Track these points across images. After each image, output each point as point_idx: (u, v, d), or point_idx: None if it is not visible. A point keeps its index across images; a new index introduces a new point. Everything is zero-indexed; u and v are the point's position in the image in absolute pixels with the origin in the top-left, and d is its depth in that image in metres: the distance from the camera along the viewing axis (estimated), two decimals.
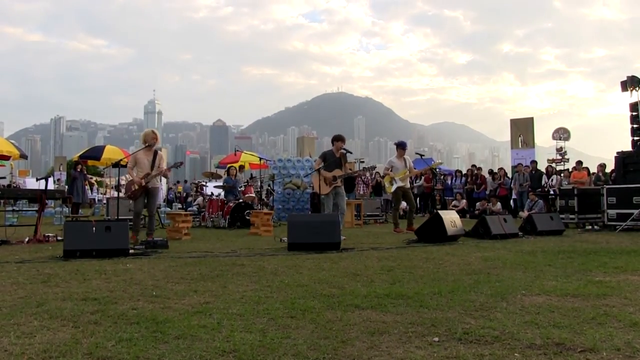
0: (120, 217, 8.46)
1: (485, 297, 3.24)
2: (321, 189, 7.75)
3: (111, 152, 14.76)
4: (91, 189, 19.79)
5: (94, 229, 5.48)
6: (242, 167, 12.56)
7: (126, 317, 2.73)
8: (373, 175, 16.19)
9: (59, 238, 7.00)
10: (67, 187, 12.60)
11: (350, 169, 10.98)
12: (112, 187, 19.18)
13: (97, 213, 18.10)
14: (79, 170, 13.74)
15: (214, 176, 14.05)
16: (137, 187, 7.22)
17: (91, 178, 15.91)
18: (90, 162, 16.17)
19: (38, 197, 7.44)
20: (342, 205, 7.90)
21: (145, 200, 7.45)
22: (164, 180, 12.42)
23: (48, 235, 7.31)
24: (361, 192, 14.88)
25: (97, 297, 3.24)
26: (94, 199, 23.61)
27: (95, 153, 15.19)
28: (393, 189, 9.29)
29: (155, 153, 7.51)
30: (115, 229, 5.56)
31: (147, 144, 7.48)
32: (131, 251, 5.65)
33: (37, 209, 7.58)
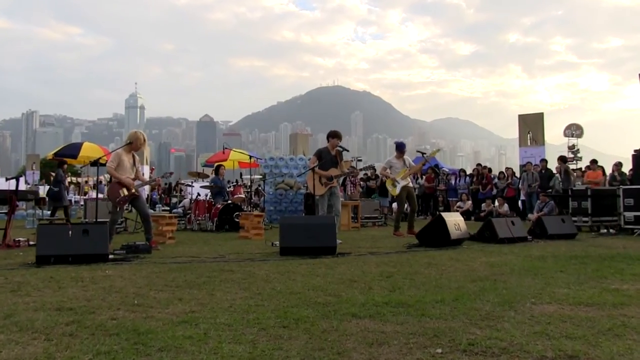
0: (99, 220, 8.41)
1: (492, 306, 3.24)
2: (316, 189, 7.74)
3: (89, 150, 14.72)
4: (67, 191, 19.68)
5: (70, 232, 5.44)
6: (220, 167, 12.70)
7: (105, 328, 2.71)
8: (373, 176, 16.19)
9: (31, 243, 6.95)
10: (55, 189, 12.42)
11: (350, 167, 10.98)
12: (91, 187, 19.11)
13: (73, 215, 18.00)
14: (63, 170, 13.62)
15: (200, 176, 14.03)
16: (127, 193, 6.94)
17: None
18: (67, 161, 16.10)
19: (8, 199, 7.39)
20: (338, 206, 7.91)
21: (132, 207, 7.31)
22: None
23: (19, 240, 7.25)
24: (349, 193, 14.80)
25: (73, 307, 3.22)
26: (71, 201, 23.45)
27: (71, 151, 15.15)
28: (397, 190, 9.33)
29: (134, 155, 7.33)
30: (94, 232, 5.53)
31: (131, 146, 7.13)
32: (111, 256, 5.62)
33: (6, 211, 7.51)
